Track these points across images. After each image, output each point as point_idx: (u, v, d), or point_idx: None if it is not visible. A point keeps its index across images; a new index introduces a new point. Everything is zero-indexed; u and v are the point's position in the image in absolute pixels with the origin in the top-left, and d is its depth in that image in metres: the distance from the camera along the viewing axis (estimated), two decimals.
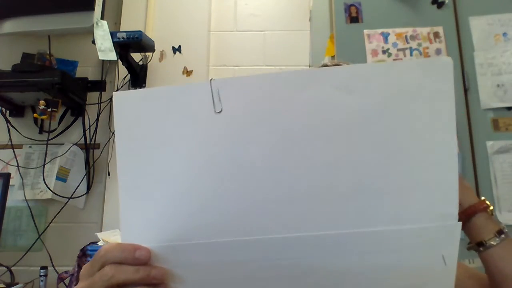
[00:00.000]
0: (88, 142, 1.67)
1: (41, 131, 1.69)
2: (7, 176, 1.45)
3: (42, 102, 1.49)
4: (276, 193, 0.34)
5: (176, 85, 0.36)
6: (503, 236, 0.48)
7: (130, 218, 0.35)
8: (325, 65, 0.61)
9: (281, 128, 0.34)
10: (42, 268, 1.41)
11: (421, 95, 0.34)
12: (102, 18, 1.48)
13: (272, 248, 0.35)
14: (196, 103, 0.35)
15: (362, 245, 0.35)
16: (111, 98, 1.69)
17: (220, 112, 0.34)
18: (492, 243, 0.47)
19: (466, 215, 0.49)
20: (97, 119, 1.69)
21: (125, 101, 0.36)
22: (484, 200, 0.50)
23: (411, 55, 1.32)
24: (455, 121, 0.34)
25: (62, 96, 1.55)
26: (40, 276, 1.40)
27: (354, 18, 1.37)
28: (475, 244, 0.49)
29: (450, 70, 0.34)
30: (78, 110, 1.70)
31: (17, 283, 1.46)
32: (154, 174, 0.35)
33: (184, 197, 0.35)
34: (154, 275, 0.34)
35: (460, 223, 0.35)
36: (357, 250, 0.35)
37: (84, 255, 1.32)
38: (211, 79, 0.34)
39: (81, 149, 1.66)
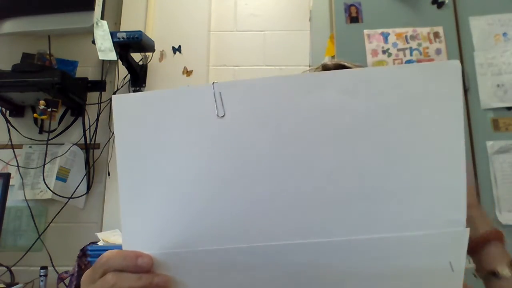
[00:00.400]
0: (88, 142, 1.67)
1: (41, 131, 1.69)
2: (7, 176, 1.45)
3: (42, 102, 1.49)
4: (279, 199, 0.34)
5: (177, 88, 0.35)
6: None
7: (132, 225, 0.35)
8: (325, 65, 0.60)
9: (285, 132, 0.34)
10: (42, 268, 1.41)
11: (428, 99, 0.34)
12: (102, 18, 1.48)
13: (275, 255, 0.34)
14: (198, 106, 0.34)
15: (367, 252, 0.34)
16: (111, 98, 1.69)
17: (222, 116, 0.34)
18: (504, 274, 0.46)
19: (480, 242, 0.48)
20: (97, 119, 1.69)
21: (124, 104, 0.35)
22: (498, 230, 0.49)
23: (411, 55, 1.32)
24: (463, 125, 0.34)
25: (62, 96, 1.55)
26: (40, 276, 1.40)
27: (354, 18, 1.37)
28: (486, 273, 0.47)
29: (459, 74, 0.33)
30: (78, 110, 1.70)
31: (17, 283, 1.46)
32: (155, 179, 0.35)
33: (186, 203, 0.34)
34: (157, 282, 0.33)
35: (468, 229, 0.34)
36: (362, 257, 0.35)
37: (84, 255, 1.32)
38: (213, 82, 0.34)
39: (81, 149, 1.66)
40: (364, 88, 0.34)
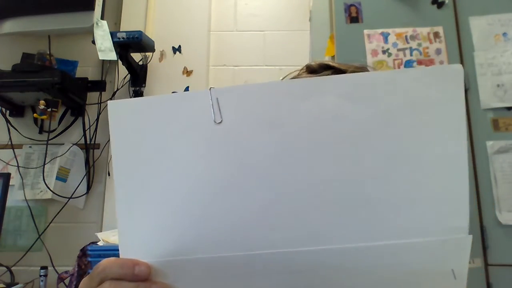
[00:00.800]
0: (88, 142, 1.67)
1: (41, 131, 1.69)
2: (7, 176, 1.45)
3: (42, 102, 1.49)
4: (278, 206, 0.33)
5: (177, 88, 0.35)
6: None
7: (129, 232, 0.34)
8: (309, 65, 0.59)
9: (284, 139, 0.33)
10: (42, 268, 1.41)
11: (429, 104, 0.33)
12: (102, 18, 1.48)
13: (275, 263, 0.34)
14: (195, 112, 0.34)
15: (367, 259, 0.34)
16: (111, 98, 1.70)
17: (220, 122, 0.33)
18: None
19: None
20: (97, 119, 1.69)
21: (121, 110, 0.35)
22: None
23: (411, 55, 1.32)
24: (465, 131, 0.33)
25: (62, 96, 1.55)
26: (40, 276, 1.40)
27: (354, 18, 1.37)
28: None
29: (461, 78, 0.33)
30: (78, 110, 1.70)
31: (17, 283, 1.46)
32: (152, 187, 0.34)
33: (183, 210, 0.34)
34: None
35: (471, 236, 0.33)
36: (362, 264, 0.34)
37: (84, 255, 1.32)
38: (210, 88, 0.33)
39: (81, 149, 1.66)
40: (364, 93, 0.33)
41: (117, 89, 1.69)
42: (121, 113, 0.35)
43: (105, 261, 0.33)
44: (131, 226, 0.35)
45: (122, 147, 0.35)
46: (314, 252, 0.33)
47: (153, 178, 0.34)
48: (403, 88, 0.33)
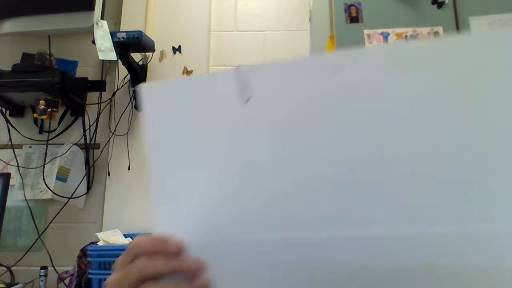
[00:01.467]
0: (88, 142, 1.67)
1: (41, 131, 1.69)
2: (7, 176, 1.45)
3: (42, 102, 1.49)
4: (313, 187, 0.31)
5: (204, 74, 0.35)
6: None
7: (162, 212, 0.35)
8: None
9: (316, 116, 0.31)
10: (42, 268, 1.41)
11: (487, 73, 0.29)
12: (102, 18, 1.48)
13: (310, 249, 0.32)
14: (222, 93, 0.33)
15: (441, 247, 0.30)
16: (111, 98, 1.70)
17: (249, 101, 0.32)
18: None
19: None
20: (97, 119, 1.69)
21: (154, 93, 0.35)
22: None
23: None
24: None
25: (62, 96, 1.55)
26: (40, 276, 1.40)
27: (354, 18, 1.37)
28: None
29: None
30: (78, 110, 1.70)
31: (17, 283, 1.46)
32: (187, 167, 0.34)
33: (216, 190, 0.34)
34: (186, 267, 0.33)
35: None
36: (424, 252, 0.30)
37: (84, 255, 1.32)
38: (236, 66, 0.33)
39: (81, 149, 1.66)
40: (408, 63, 0.30)
41: (117, 89, 1.69)
42: (154, 96, 0.35)
43: (138, 238, 0.34)
44: (164, 205, 0.35)
45: (156, 129, 0.35)
46: (355, 238, 0.31)
47: (184, 159, 0.34)
48: (452, 57, 0.30)
